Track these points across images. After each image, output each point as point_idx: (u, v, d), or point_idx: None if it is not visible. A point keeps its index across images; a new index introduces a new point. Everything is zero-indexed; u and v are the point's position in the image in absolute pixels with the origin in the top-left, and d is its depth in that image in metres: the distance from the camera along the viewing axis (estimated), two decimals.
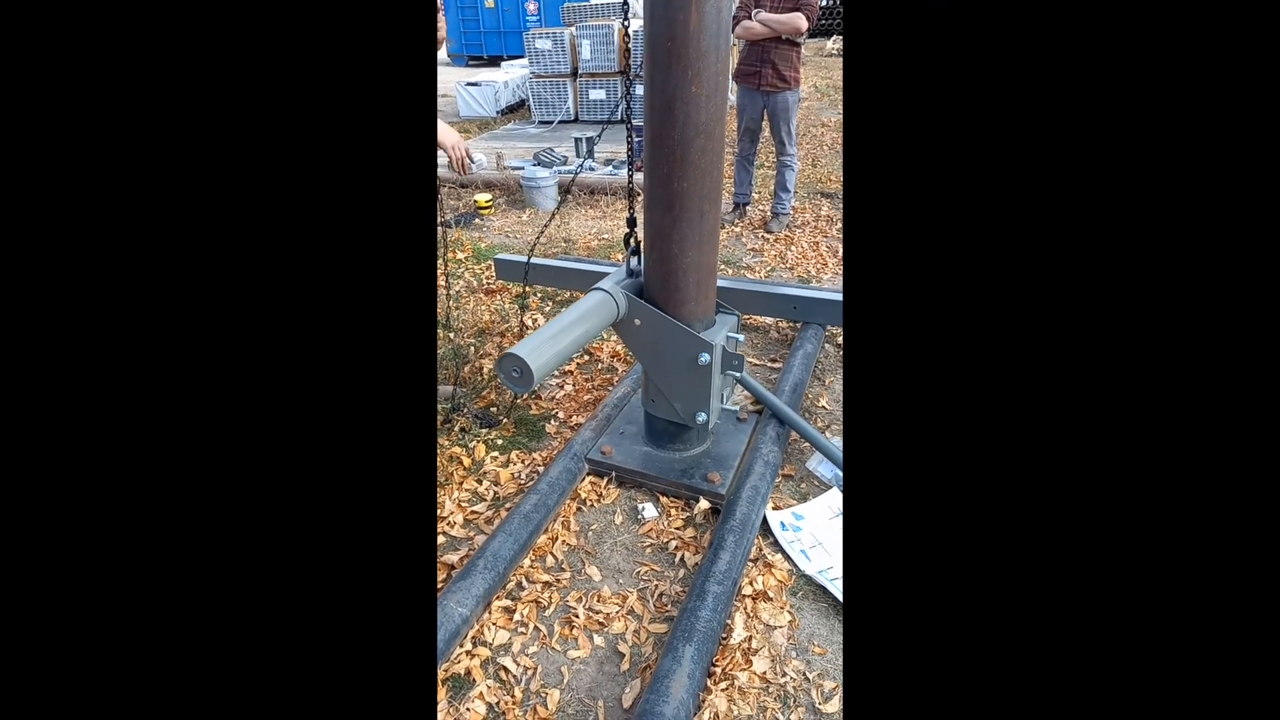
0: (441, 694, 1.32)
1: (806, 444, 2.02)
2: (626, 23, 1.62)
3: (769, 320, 2.88)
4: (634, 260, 1.76)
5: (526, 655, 1.41)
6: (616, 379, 2.46)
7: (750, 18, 3.50)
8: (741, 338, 1.74)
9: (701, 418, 1.72)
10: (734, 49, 4.09)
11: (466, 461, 2.00)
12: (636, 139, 3.85)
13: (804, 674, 1.35)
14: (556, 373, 2.53)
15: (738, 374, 1.78)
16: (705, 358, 1.61)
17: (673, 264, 1.59)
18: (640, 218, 1.67)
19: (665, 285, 1.63)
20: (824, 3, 11.34)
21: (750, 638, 1.41)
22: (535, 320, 2.95)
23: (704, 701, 1.27)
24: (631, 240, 1.74)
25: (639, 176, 1.68)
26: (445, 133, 1.81)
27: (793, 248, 3.75)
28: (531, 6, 14.07)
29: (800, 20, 3.40)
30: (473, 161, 1.99)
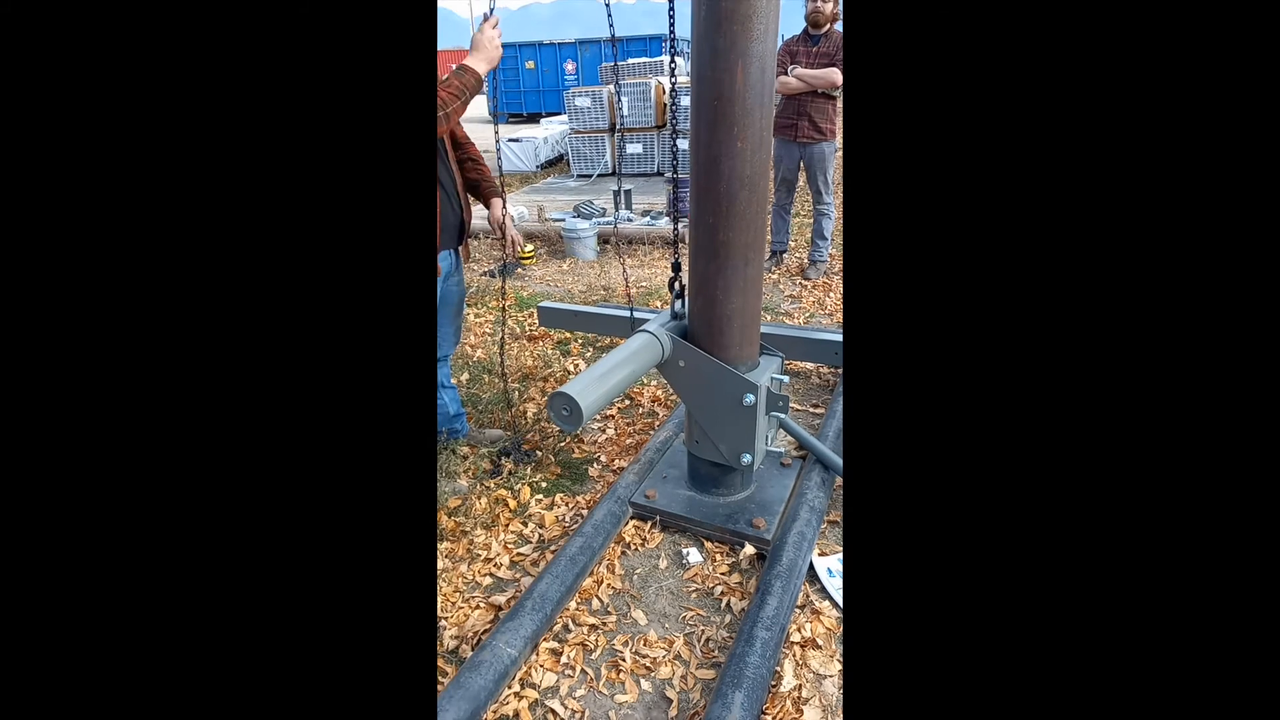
0: None
1: None
2: (674, 80, 1.71)
3: (810, 366, 2.88)
4: (678, 304, 1.80)
5: (574, 699, 1.40)
6: (658, 423, 2.48)
7: (787, 73, 3.63)
8: (786, 379, 1.76)
9: (746, 459, 1.72)
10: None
11: (512, 504, 2.03)
12: (682, 189, 3.96)
13: None
14: (599, 417, 2.57)
15: (781, 415, 1.79)
16: (750, 398, 1.63)
17: (716, 310, 1.63)
18: (685, 264, 1.73)
19: (710, 331, 1.67)
20: None
21: (800, 686, 1.39)
22: (577, 365, 3.01)
23: None
24: (676, 284, 1.79)
25: (684, 224, 1.75)
26: (510, 226, 1.96)
27: (831, 294, 3.77)
28: (570, 67, 14.76)
29: (836, 75, 3.51)
30: (521, 247, 2.12)
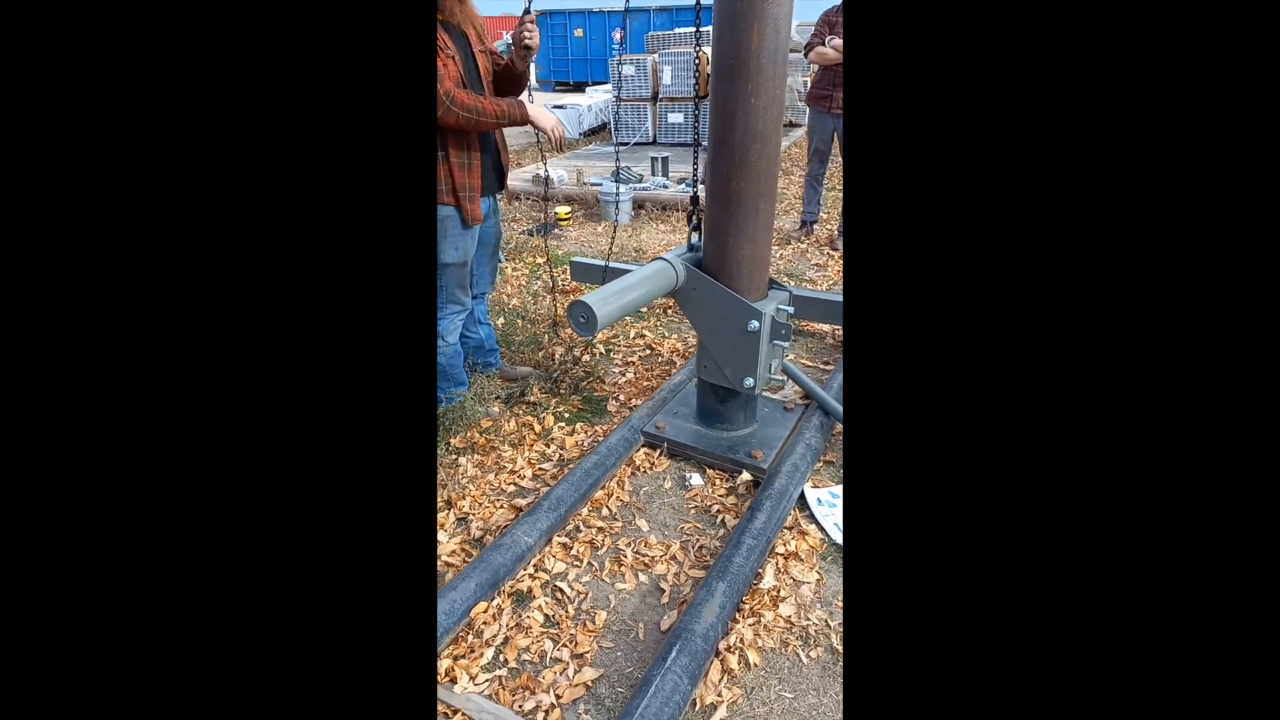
0: (507, 604, 1.54)
1: None
2: (698, 47, 1.85)
3: (826, 328, 3.01)
4: (695, 236, 1.96)
5: (580, 583, 1.61)
6: (674, 370, 2.66)
7: (824, 43, 3.68)
8: (791, 309, 1.89)
9: (749, 382, 1.88)
10: (809, 74, 4.28)
11: (537, 428, 2.24)
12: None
13: (826, 622, 1.49)
14: (620, 362, 2.76)
15: (787, 363, 1.94)
16: (755, 324, 1.78)
17: (728, 255, 1.79)
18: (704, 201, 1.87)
19: (721, 273, 1.83)
20: None
21: (779, 587, 1.57)
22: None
23: (731, 629, 1.44)
24: (694, 217, 1.94)
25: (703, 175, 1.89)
26: (542, 115, 2.01)
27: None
28: (618, 35, 14.71)
29: None
30: (565, 134, 2.21)
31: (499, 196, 2.18)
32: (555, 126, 2.02)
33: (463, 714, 1.32)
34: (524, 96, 2.06)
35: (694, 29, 1.82)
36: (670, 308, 3.30)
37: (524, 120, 1.88)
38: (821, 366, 2.70)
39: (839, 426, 2.18)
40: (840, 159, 4.05)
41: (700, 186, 1.95)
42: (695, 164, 1.93)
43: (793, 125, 7.96)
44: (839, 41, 3.60)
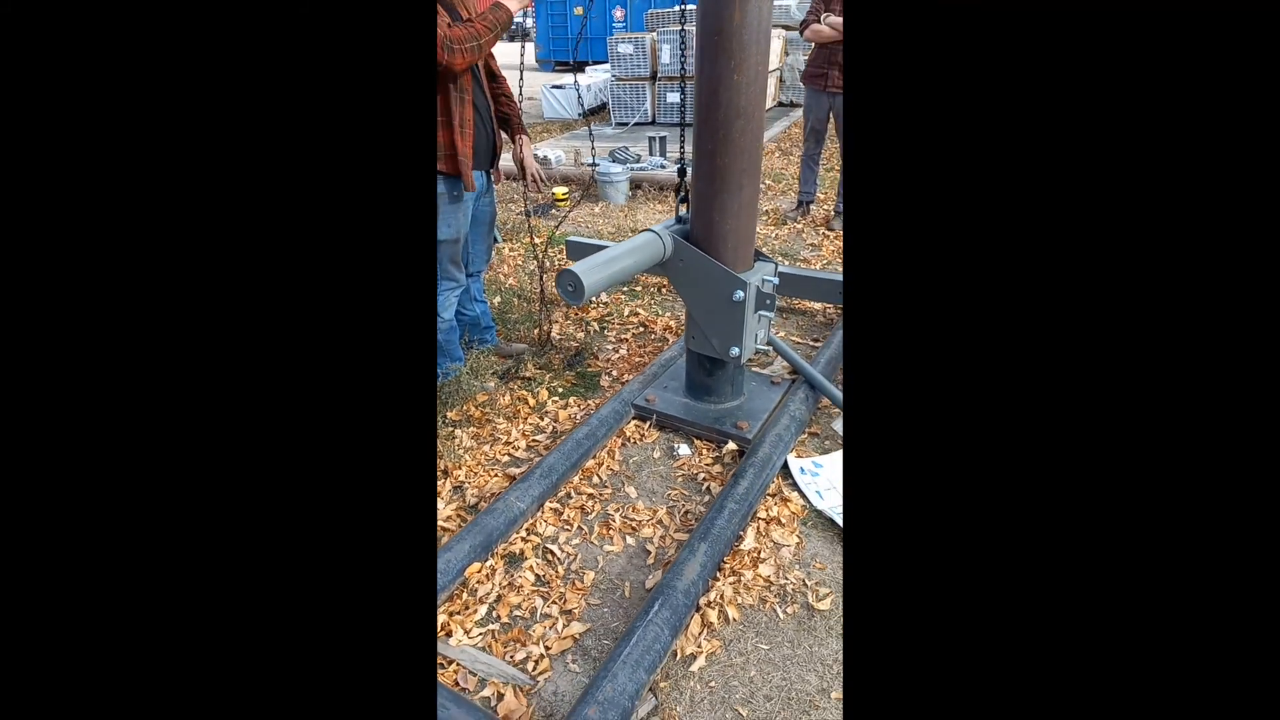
0: (499, 564, 1.61)
1: (836, 410, 2.21)
2: (684, 22, 1.88)
3: (817, 306, 3.06)
4: (682, 208, 2.00)
5: (569, 545, 1.69)
6: (666, 347, 2.72)
7: (819, 20, 3.68)
8: (776, 280, 1.94)
9: (734, 351, 1.94)
10: (808, 53, 4.28)
11: (531, 402, 2.31)
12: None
13: (803, 580, 1.56)
14: (613, 339, 2.81)
15: (776, 339, 1.99)
16: (740, 294, 1.84)
17: (714, 229, 1.84)
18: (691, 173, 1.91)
19: (708, 248, 1.88)
20: None
21: (759, 549, 1.64)
22: (598, 295, 3.25)
23: (712, 586, 1.51)
24: (681, 189, 1.98)
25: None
26: (530, 160, 2.17)
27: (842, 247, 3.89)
28: (619, 13, 14.55)
29: None
30: (542, 183, 2.32)
31: (491, 174, 2.23)
32: (537, 173, 2.20)
33: (457, 664, 1.39)
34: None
35: (680, 6, 1.85)
36: (663, 286, 3.35)
37: (509, 17, 1.89)
38: (811, 343, 2.75)
39: (824, 400, 2.24)
40: (836, 139, 4.06)
41: (688, 160, 1.99)
42: (682, 141, 1.98)
43: (794, 105, 7.92)
44: (835, 19, 3.60)
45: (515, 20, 1.92)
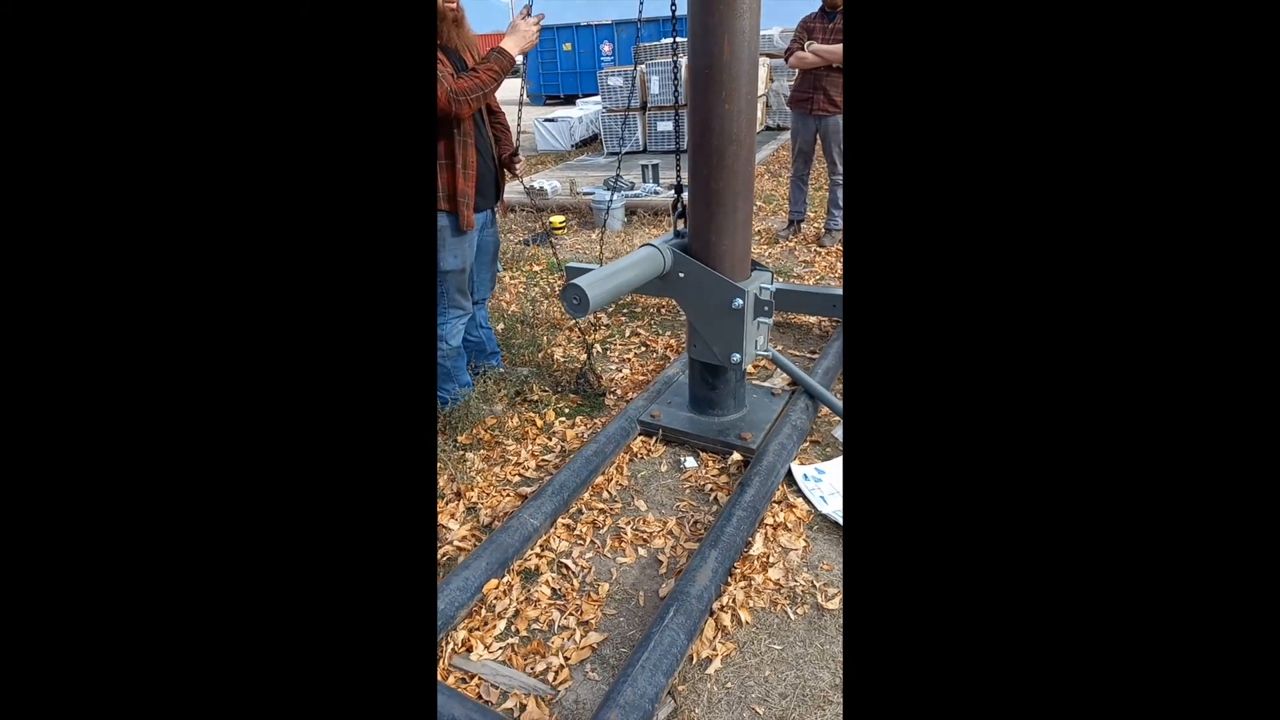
0: (516, 580, 1.66)
1: (835, 418, 2.27)
2: (676, 57, 1.98)
3: (812, 320, 3.14)
4: (680, 224, 2.09)
5: (583, 559, 1.73)
6: (667, 365, 2.79)
7: (803, 48, 3.83)
8: (773, 287, 2.01)
9: (735, 358, 2.00)
10: (793, 79, 4.45)
11: (539, 423, 2.37)
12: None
13: (812, 582, 1.61)
14: (616, 358, 2.89)
15: (776, 353, 2.06)
16: (739, 302, 1.91)
17: (712, 248, 1.92)
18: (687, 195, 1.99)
19: (706, 265, 1.96)
20: None
21: (768, 554, 1.69)
22: (598, 316, 3.32)
23: (724, 591, 1.56)
24: (679, 204, 2.07)
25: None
26: (519, 39, 1.94)
27: (842, 260, 3.99)
28: (606, 48, 14.92)
29: None
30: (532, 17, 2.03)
31: (495, 209, 2.32)
32: (531, 35, 1.97)
33: (479, 678, 1.43)
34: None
35: (681, 39, 1.95)
36: (664, 307, 3.43)
37: (512, 63, 1.93)
38: (808, 355, 2.82)
39: (824, 409, 2.30)
40: (823, 160, 4.20)
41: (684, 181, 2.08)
42: (678, 167, 2.07)
43: (781, 129, 8.12)
44: (817, 46, 3.75)
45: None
